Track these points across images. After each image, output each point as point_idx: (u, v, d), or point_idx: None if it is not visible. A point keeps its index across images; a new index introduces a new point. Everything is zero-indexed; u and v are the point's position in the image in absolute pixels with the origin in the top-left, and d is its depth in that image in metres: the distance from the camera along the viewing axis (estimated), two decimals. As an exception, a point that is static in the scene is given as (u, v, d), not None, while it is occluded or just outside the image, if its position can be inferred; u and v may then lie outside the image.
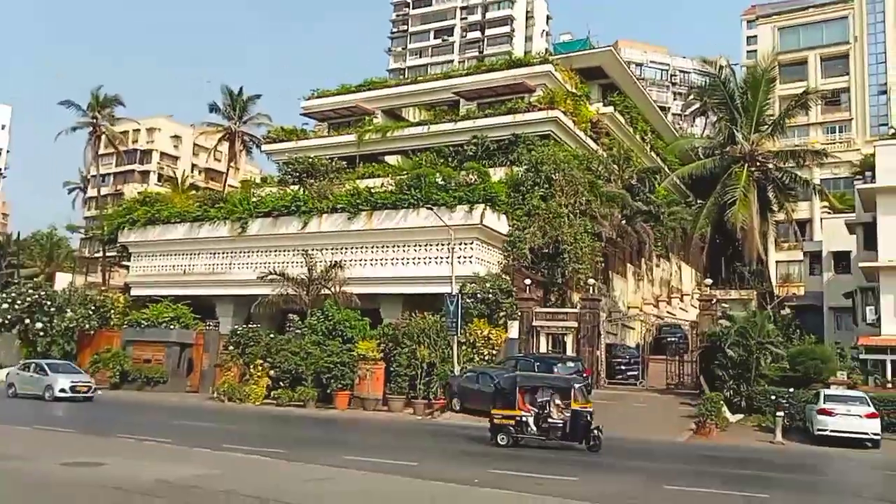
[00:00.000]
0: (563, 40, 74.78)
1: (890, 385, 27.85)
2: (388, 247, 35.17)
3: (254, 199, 41.22)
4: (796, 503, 13.01)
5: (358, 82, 49.74)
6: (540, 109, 40.00)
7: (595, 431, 17.96)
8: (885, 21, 59.11)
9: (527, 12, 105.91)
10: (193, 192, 60.25)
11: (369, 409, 27.91)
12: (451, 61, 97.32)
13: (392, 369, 28.55)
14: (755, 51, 66.28)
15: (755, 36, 69.76)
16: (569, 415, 18.03)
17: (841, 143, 59.01)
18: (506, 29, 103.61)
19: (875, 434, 21.53)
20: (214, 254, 40.66)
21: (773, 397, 24.31)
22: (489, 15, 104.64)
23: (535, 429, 18.25)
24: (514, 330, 31.87)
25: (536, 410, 18.38)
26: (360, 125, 46.43)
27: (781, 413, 22.73)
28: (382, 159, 46.07)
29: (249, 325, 33.98)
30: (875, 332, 31.58)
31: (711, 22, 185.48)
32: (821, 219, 49.52)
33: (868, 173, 36.36)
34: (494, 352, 30.34)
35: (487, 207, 33.80)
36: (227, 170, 69.35)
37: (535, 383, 19.50)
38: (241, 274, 38.72)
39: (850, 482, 16.85)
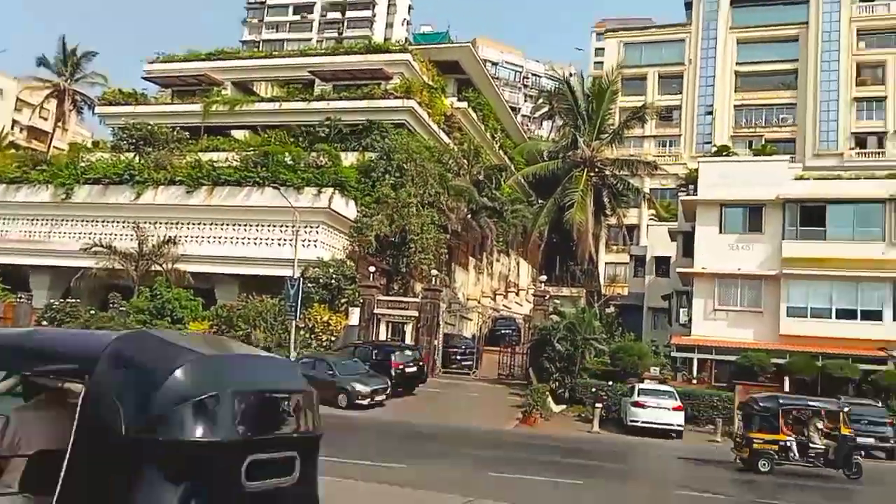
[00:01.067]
0: (423, 31, 75.25)
1: (695, 381, 30.46)
2: (228, 225, 33.82)
3: (82, 164, 38.19)
4: (605, 489, 13.89)
5: (209, 50, 47.37)
6: (396, 98, 40.00)
7: (856, 458, 17.38)
8: (717, 48, 64.37)
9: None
10: (13, 150, 54.89)
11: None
12: (310, 39, 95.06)
13: (225, 352, 27.48)
14: (602, 62, 69.97)
15: (604, 48, 73.61)
16: (831, 440, 17.33)
17: (670, 156, 63.64)
18: (367, 13, 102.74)
19: (679, 425, 23.50)
20: (33, 220, 37.26)
21: (593, 390, 25.90)
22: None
23: (797, 455, 17.39)
24: (354, 317, 31.77)
25: (797, 435, 17.52)
26: (207, 95, 44.23)
27: (600, 404, 24.27)
28: (229, 133, 44.20)
29: (67, 300, 31.49)
30: (686, 332, 34.42)
31: (567, 31, 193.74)
32: (647, 225, 53.26)
33: (691, 186, 39.48)
34: (334, 338, 30.09)
35: (336, 192, 33.39)
36: (54, 130, 63.67)
37: (798, 405, 18.61)
38: (62, 244, 35.72)
39: (655, 469, 18.26)
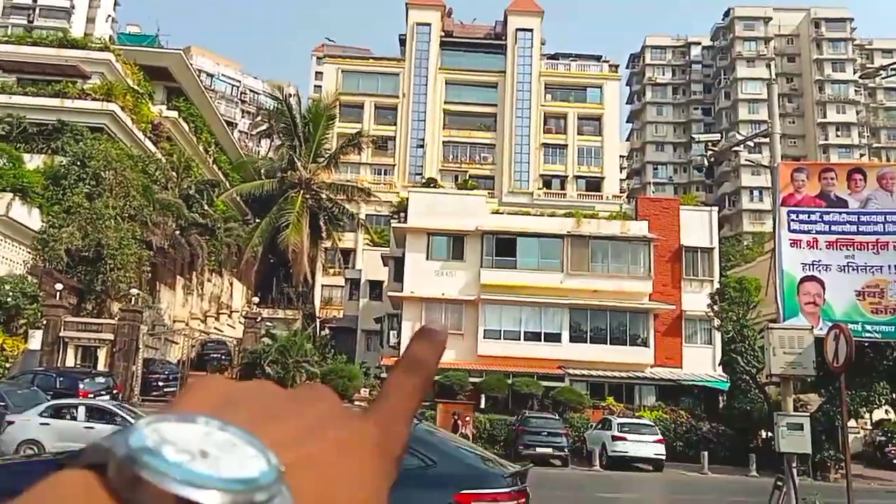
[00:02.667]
0: (130, 31, 69.76)
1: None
2: None
3: None
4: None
5: None
6: (94, 99, 36.47)
7: None
8: (428, 84, 68.69)
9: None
10: None
11: None
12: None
13: None
14: (321, 86, 70.83)
15: (323, 72, 74.58)
16: None
17: (386, 184, 66.19)
18: (65, 3, 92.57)
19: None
20: None
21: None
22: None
23: None
24: (36, 340, 28.01)
25: None
26: None
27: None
28: None
29: None
30: (395, 354, 35.80)
31: (288, 51, 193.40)
32: (363, 250, 54.68)
33: (402, 214, 41.39)
34: (8, 365, 26.21)
35: (16, 198, 29.33)
36: None
37: None
38: None
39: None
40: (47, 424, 17.80)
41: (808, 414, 14.28)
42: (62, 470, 0.38)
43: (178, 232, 38.30)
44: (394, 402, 0.51)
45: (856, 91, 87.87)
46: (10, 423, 17.81)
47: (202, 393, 0.47)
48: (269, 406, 0.47)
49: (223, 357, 36.24)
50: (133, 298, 30.91)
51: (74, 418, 18.33)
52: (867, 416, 30.15)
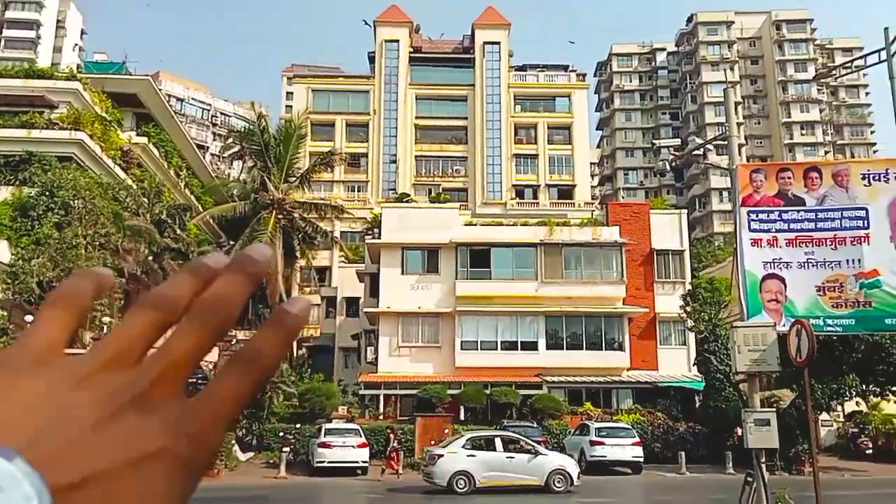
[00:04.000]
0: (97, 59, 69.44)
1: (381, 416, 31.72)
2: None
3: None
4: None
5: None
6: (62, 128, 36.29)
7: None
8: (398, 101, 69.02)
9: (58, 21, 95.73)
10: None
11: None
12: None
13: None
14: (292, 106, 70.89)
15: (293, 92, 74.64)
16: None
17: (359, 200, 66.25)
18: (30, 34, 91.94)
19: (364, 462, 24.24)
20: None
21: (280, 434, 25.60)
22: (10, 14, 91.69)
23: None
24: (6, 374, 27.64)
25: None
26: None
27: (287, 448, 24.07)
28: None
29: None
30: (373, 370, 35.79)
31: (257, 73, 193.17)
32: (338, 267, 54.64)
33: (376, 230, 41.50)
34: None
35: (-17, 231, 29.05)
36: None
37: None
38: None
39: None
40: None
41: (774, 410, 14.56)
42: None
43: (150, 258, 38.06)
44: (212, 407, 0.42)
45: (818, 90, 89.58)
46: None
47: None
48: (26, 400, 0.39)
49: (199, 381, 35.94)
50: (105, 327, 30.67)
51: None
52: (839, 408, 30.63)
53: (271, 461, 25.14)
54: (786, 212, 14.59)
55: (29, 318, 28.78)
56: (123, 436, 0.38)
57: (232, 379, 0.42)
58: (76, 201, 32.36)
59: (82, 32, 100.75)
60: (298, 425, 26.34)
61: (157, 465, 0.38)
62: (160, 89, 50.67)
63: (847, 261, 14.26)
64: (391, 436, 24.90)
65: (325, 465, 23.36)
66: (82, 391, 0.40)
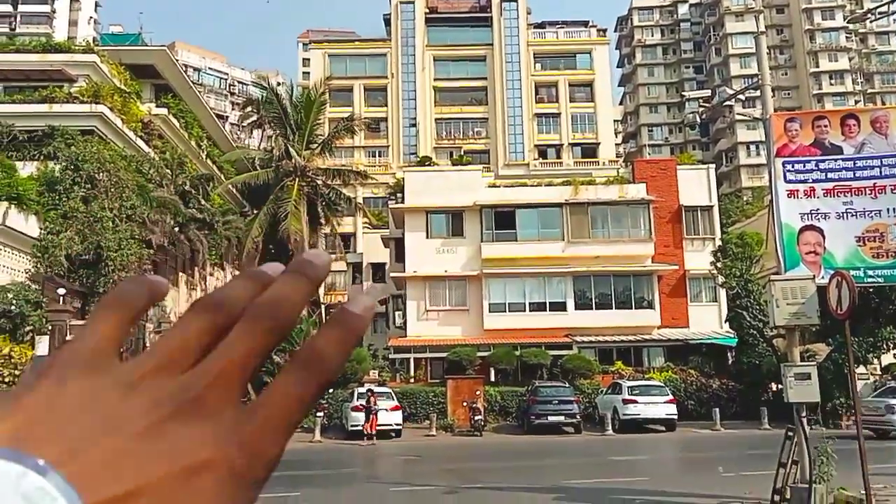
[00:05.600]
0: (112, 31, 69.24)
1: (412, 380, 31.86)
2: None
3: None
4: (321, 496, 13.89)
5: None
6: (83, 102, 36.22)
7: None
8: (416, 63, 68.19)
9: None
10: None
11: None
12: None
13: None
14: (309, 72, 70.37)
15: (310, 59, 74.04)
16: None
17: (381, 166, 65.99)
18: (45, 8, 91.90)
19: (398, 424, 24.36)
20: None
21: (314, 399, 25.82)
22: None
23: None
24: (43, 346, 28.05)
25: None
26: None
27: (321, 413, 24.24)
28: None
29: None
30: (402, 334, 35.90)
31: (273, 40, 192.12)
32: (363, 233, 54.66)
33: (399, 195, 41.29)
34: (17, 372, 26.27)
35: (12, 206, 29.27)
36: None
37: None
38: None
39: (375, 472, 18.68)
40: None
41: (814, 363, 14.29)
42: None
43: (176, 228, 38.28)
44: (270, 413, 0.38)
45: (847, 38, 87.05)
46: None
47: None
48: (71, 413, 0.36)
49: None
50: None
51: None
52: (875, 361, 30.19)
53: (306, 426, 25.33)
54: (823, 161, 14.14)
55: (61, 290, 29.14)
56: (171, 445, 0.36)
57: (291, 383, 0.38)
58: (101, 174, 32.46)
59: (96, 4, 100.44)
60: (331, 389, 26.52)
61: (206, 476, 0.36)
62: (177, 60, 50.39)
63: (888, 209, 13.85)
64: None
65: (359, 428, 23.55)
66: (131, 398, 0.38)
